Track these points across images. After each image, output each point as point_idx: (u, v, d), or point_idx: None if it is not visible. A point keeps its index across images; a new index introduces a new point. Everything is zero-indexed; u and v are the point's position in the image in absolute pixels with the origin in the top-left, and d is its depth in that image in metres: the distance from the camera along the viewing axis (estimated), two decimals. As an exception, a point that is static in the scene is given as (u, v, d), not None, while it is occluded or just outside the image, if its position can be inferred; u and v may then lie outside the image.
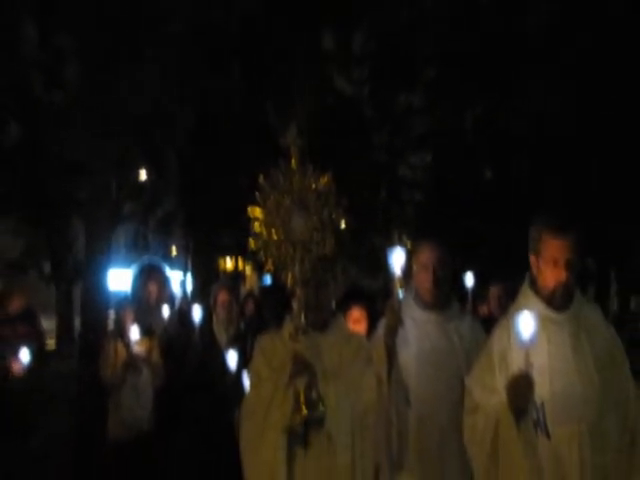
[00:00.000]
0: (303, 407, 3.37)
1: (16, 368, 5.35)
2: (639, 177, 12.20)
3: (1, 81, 12.76)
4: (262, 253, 3.52)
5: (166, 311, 6.15)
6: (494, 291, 6.60)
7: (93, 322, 11.10)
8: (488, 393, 3.40)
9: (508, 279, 5.90)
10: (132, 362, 5.83)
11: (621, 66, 11.33)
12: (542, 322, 3.29)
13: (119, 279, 9.82)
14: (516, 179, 14.64)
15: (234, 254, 25.27)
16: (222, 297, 5.94)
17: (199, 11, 10.96)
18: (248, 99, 17.53)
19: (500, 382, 3.34)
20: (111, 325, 7.00)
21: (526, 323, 3.21)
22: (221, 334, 5.76)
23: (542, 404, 3.30)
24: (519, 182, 14.28)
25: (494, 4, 12.93)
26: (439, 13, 14.30)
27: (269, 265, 3.54)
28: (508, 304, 3.83)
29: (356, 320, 4.69)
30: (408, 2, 15.68)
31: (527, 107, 12.83)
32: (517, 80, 13.21)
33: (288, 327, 3.57)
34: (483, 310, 6.87)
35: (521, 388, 3.22)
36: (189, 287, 14.22)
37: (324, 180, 3.52)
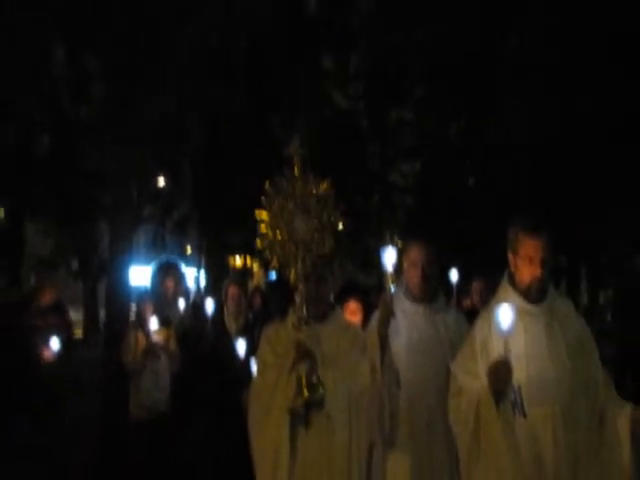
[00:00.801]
0: (305, 390, 3.37)
1: (47, 355, 5.35)
2: (606, 183, 12.23)
3: (34, 98, 12.76)
4: (268, 252, 3.53)
5: (182, 304, 6.15)
6: (476, 286, 6.61)
7: (116, 314, 11.07)
8: (471, 377, 3.41)
9: (489, 275, 5.91)
10: (151, 350, 5.83)
11: (587, 84, 11.38)
12: (519, 314, 3.30)
13: (140, 275, 9.83)
14: (495, 185, 14.65)
15: (243, 253, 25.22)
16: (232, 291, 5.93)
17: (213, 35, 10.97)
18: (255, 113, 17.52)
19: (481, 368, 3.35)
20: (132, 316, 7.00)
21: (505, 314, 3.22)
22: (231, 324, 5.75)
23: (519, 387, 3.30)
24: (498, 187, 14.29)
25: (477, 27, 12.96)
26: (426, 37, 14.34)
27: (274, 262, 3.55)
28: (489, 297, 3.82)
29: (352, 312, 4.69)
30: (399, 27, 15.70)
31: (503, 120, 12.88)
32: (494, 97, 13.28)
33: (291, 318, 3.57)
34: (466, 303, 6.87)
35: (500, 373, 3.23)
36: (202, 282, 14.18)
37: (323, 186, 3.53)
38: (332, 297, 3.90)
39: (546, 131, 11.92)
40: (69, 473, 5.80)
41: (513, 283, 3.51)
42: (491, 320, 3.34)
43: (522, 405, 3.31)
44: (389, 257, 3.48)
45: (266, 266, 23.59)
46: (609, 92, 11.22)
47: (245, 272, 26.28)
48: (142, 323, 5.96)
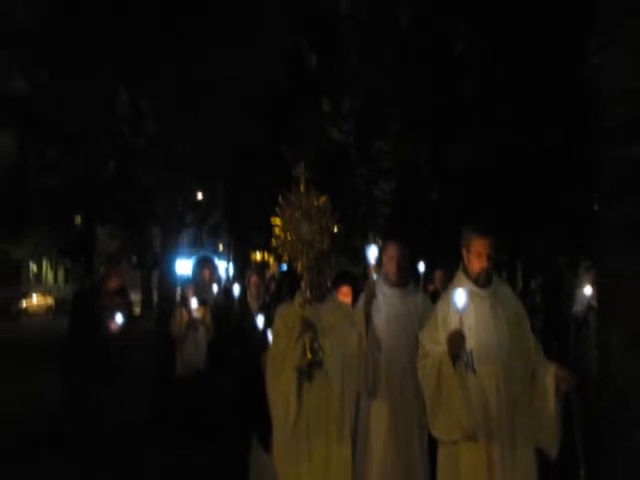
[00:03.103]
0: (308, 353, 3.37)
1: (113, 327, 5.33)
2: (535, 201, 12.33)
3: (102, 131, 12.76)
4: (280, 249, 3.53)
5: (215, 288, 6.14)
6: (438, 274, 6.61)
7: (166, 296, 11.04)
8: (434, 344, 3.41)
9: (447, 266, 5.90)
10: (192, 323, 5.83)
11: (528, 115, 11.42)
12: (470, 296, 3.31)
13: (183, 267, 9.79)
14: (453, 199, 14.72)
15: (262, 249, 25.26)
16: (253, 279, 5.92)
17: (241, 86, 10.99)
18: (271, 145, 17.55)
19: (442, 336, 3.35)
20: (178, 298, 6.99)
21: (460, 297, 3.23)
22: (252, 304, 5.73)
23: (470, 351, 3.31)
24: (455, 201, 14.35)
25: (440, 76, 13.03)
26: (402, 86, 14.39)
27: (285, 257, 3.54)
28: (448, 284, 3.82)
29: (344, 294, 4.67)
30: (380, 79, 15.74)
31: (459, 150, 12.96)
32: (454, 131, 13.33)
33: (298, 299, 3.57)
34: (431, 288, 6.85)
35: (456, 341, 3.24)
36: (231, 272, 14.22)
37: (322, 200, 3.53)
38: (329, 283, 3.88)
39: (488, 159, 12.02)
40: (132, 410, 5.81)
41: (466, 273, 3.51)
42: (449, 301, 3.34)
43: (473, 364, 3.31)
44: (372, 253, 3.48)
45: (279, 260, 23.52)
46: (527, 129, 11.30)
47: (263, 264, 26.29)
48: (185, 303, 5.95)
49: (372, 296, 3.48)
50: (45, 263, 43.09)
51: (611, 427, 3.46)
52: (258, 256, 27.40)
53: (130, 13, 10.54)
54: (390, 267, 4.12)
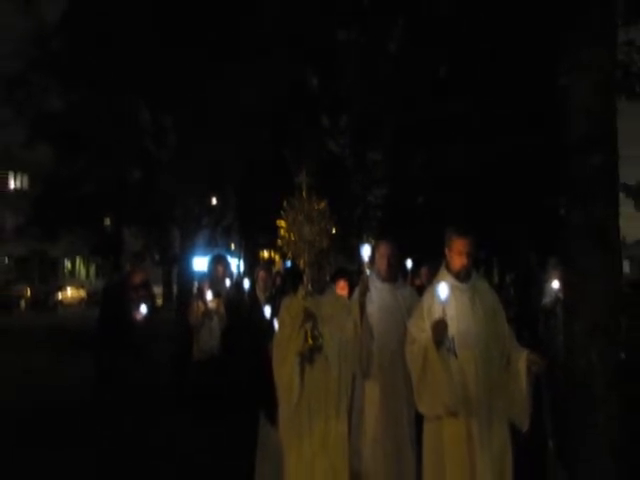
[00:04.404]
0: (309, 339, 3.34)
1: (138, 317, 5.32)
2: (509, 207, 12.34)
3: (128, 144, 12.77)
4: (285, 248, 3.51)
5: (228, 283, 6.11)
6: (424, 270, 6.56)
7: (184, 289, 11.06)
8: (420, 331, 3.40)
9: (432, 263, 5.88)
10: (207, 313, 5.77)
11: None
12: (452, 289, 3.30)
13: (200, 264, 9.78)
14: (437, 203, 14.72)
15: (269, 248, 25.21)
16: (261, 274, 5.87)
17: (250, 104, 10.99)
18: (277, 156, 17.54)
19: (427, 325, 3.34)
20: (195, 291, 6.96)
21: (443, 290, 3.22)
22: (260, 296, 5.68)
23: (452, 338, 3.29)
24: (439, 205, 14.34)
25: (426, 96, 13.02)
26: (393, 104, 14.36)
27: (289, 255, 3.54)
28: (432, 278, 3.82)
29: (341, 288, 4.66)
30: (373, 98, 15.72)
31: (443, 160, 12.95)
32: (439, 145, 13.30)
33: (301, 292, 3.54)
34: (417, 282, 6.78)
35: (440, 328, 3.23)
36: (241, 268, 14.18)
37: (322, 204, 3.51)
38: (328, 278, 3.86)
39: (470, 171, 12.04)
40: (154, 387, 5.79)
41: (448, 269, 3.50)
42: (433, 293, 3.33)
43: (454, 349, 3.30)
44: (366, 252, 3.48)
45: (284, 257, 23.54)
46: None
47: (270, 261, 26.19)
48: (201, 295, 5.90)
49: (366, 289, 3.47)
50: (78, 260, 43.18)
51: (575, 404, 3.47)
52: (265, 254, 27.32)
53: (153, 45, 10.56)
54: (382, 264, 4.11)
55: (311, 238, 3.46)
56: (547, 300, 7.29)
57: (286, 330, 3.51)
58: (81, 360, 6.87)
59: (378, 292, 4.03)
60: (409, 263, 5.62)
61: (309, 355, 3.36)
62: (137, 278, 5.69)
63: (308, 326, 3.35)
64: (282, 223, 3.50)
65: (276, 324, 3.75)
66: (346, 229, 19.65)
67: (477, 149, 11.56)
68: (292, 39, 11.10)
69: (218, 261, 6.25)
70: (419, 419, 3.61)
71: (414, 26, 12.21)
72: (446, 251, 3.50)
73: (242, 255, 24.61)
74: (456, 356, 3.29)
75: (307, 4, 10.40)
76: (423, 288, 4.42)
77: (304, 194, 3.51)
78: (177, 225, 14.24)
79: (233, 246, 27.99)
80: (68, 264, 42.76)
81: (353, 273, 7.04)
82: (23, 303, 31.00)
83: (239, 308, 5.41)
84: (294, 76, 13.23)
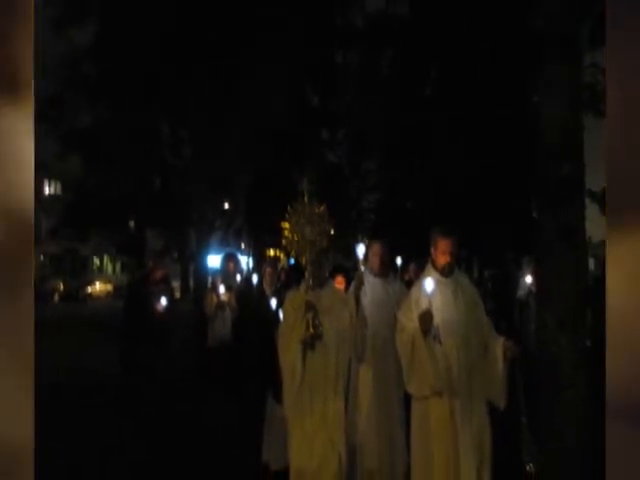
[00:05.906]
0: (311, 328, 3.33)
1: (159, 308, 5.33)
2: (487, 211, 12.35)
3: (150, 156, 12.78)
4: (289, 247, 3.50)
5: (238, 278, 6.11)
6: (412, 267, 6.58)
7: (200, 283, 11.05)
8: (409, 321, 3.39)
9: (419, 260, 5.88)
10: (220, 305, 5.79)
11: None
12: (437, 284, 3.30)
13: (213, 261, 9.76)
14: (423, 207, 14.76)
15: (274, 247, 25.20)
16: (268, 271, 5.87)
17: (255, 121, 11.01)
18: (281, 165, 17.56)
19: (415, 315, 3.33)
20: (209, 285, 6.96)
21: (429, 284, 3.22)
22: (267, 290, 5.69)
23: (437, 327, 3.29)
24: (424, 208, 14.38)
25: (413, 112, 13.03)
26: (385, 120, 14.41)
27: (293, 253, 3.53)
28: (419, 274, 3.82)
29: (339, 282, 4.64)
30: (367, 114, 15.77)
31: (429, 169, 12.99)
32: (422, 159, 13.36)
33: (303, 286, 3.53)
34: (406, 277, 6.82)
35: (426, 318, 3.23)
36: (250, 265, 14.19)
37: (322, 208, 3.50)
38: (327, 274, 3.86)
39: (453, 181, 12.06)
40: (173, 371, 5.82)
41: (434, 265, 3.49)
42: (421, 287, 3.33)
43: (439, 337, 3.29)
44: (360, 250, 3.47)
45: (288, 255, 23.47)
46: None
47: (276, 259, 26.15)
48: (215, 289, 5.91)
49: (360, 284, 3.46)
50: (106, 258, 43.23)
51: (546, 384, 3.47)
52: (271, 252, 27.33)
53: (173, 70, 10.56)
54: (374, 261, 4.11)
55: (312, 238, 3.45)
56: (521, 293, 7.29)
57: (290, 320, 3.51)
58: (107, 348, 6.87)
59: (371, 286, 4.02)
60: (399, 260, 5.62)
61: (310, 342, 3.36)
62: (158, 274, 5.69)
63: (309, 316, 3.34)
64: (286, 225, 3.50)
65: (281, 315, 3.74)
66: (343, 230, 19.68)
67: (458, 163, 11.59)
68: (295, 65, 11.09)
69: (230, 259, 6.26)
70: (407, 399, 3.62)
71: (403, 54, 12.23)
72: (432, 250, 3.49)
73: (251, 253, 24.64)
74: (440, 343, 3.29)
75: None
76: (411, 282, 4.43)
77: (306, 199, 3.51)
78: (193, 227, 14.24)
79: (243, 245, 27.98)
80: (97, 261, 42.83)
81: (349, 269, 7.04)
82: (56, 296, 31.12)
83: (248, 300, 5.41)
84: (296, 91, 13.23)
